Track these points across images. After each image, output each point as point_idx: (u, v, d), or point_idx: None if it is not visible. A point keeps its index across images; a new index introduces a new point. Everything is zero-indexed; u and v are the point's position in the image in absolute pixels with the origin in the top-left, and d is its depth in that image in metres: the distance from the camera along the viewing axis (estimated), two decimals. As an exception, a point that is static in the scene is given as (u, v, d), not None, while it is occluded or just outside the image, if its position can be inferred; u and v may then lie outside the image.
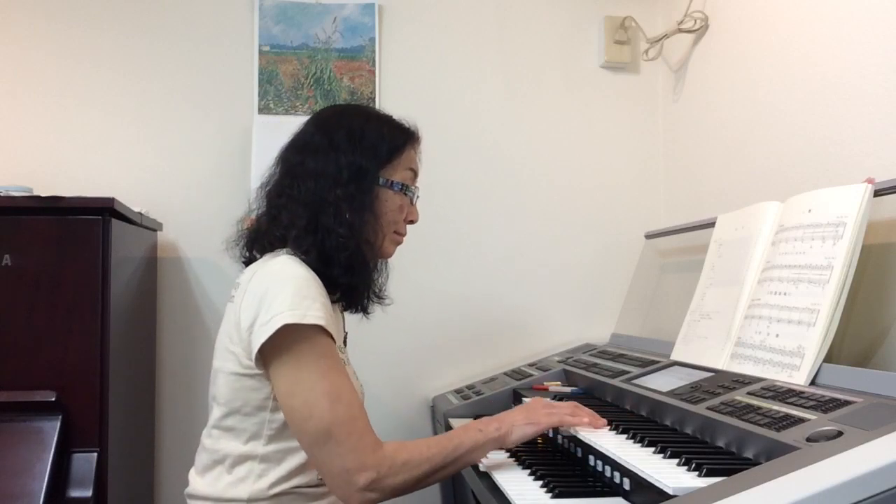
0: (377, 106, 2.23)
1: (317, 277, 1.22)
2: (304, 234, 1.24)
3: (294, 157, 1.32)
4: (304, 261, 1.23)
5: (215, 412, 1.25)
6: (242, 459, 1.20)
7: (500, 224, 2.31)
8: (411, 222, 1.38)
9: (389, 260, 1.42)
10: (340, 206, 1.25)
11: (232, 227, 1.41)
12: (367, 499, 1.12)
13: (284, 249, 1.27)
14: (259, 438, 1.20)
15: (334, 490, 1.15)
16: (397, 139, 1.34)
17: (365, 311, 1.39)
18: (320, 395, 1.13)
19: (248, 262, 1.35)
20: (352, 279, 1.27)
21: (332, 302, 1.29)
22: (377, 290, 1.38)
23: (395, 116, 1.38)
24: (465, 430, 1.24)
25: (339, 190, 1.26)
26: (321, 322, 1.14)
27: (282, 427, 1.20)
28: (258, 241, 1.32)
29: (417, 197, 1.39)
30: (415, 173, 1.38)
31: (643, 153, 2.39)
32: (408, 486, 1.16)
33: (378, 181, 1.30)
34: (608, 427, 1.30)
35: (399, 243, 1.38)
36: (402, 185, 1.33)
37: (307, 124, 1.36)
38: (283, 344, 1.14)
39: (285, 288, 1.16)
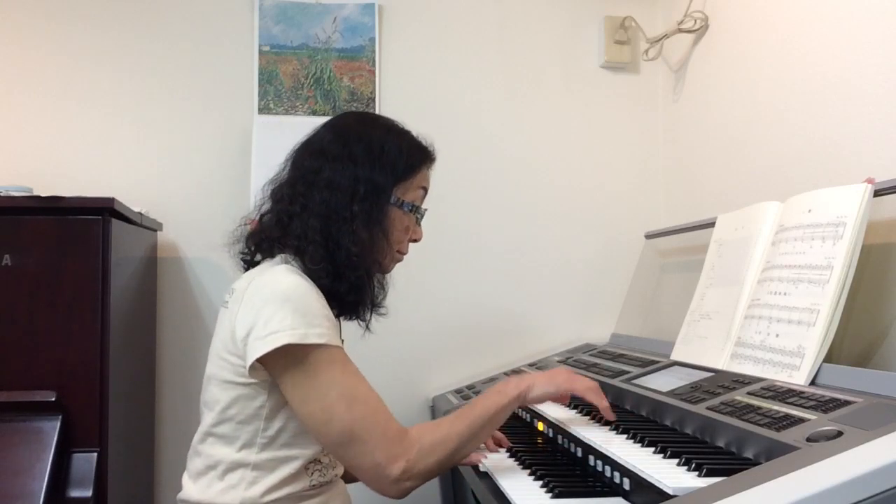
0: (377, 106, 2.23)
1: (315, 287, 1.21)
2: (316, 247, 1.22)
3: (309, 161, 1.29)
4: (306, 271, 1.22)
5: (208, 418, 1.24)
6: (234, 466, 1.20)
7: (500, 224, 2.31)
8: (414, 240, 1.37)
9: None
10: (354, 221, 1.24)
11: (232, 227, 1.40)
12: (404, 488, 1.13)
13: (286, 257, 1.25)
14: (252, 447, 1.20)
15: (370, 485, 1.15)
16: (414, 158, 1.32)
17: (366, 323, 1.37)
18: (336, 399, 1.13)
19: (249, 263, 1.34)
20: (357, 297, 1.27)
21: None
22: (377, 305, 1.36)
23: (413, 132, 1.36)
24: (486, 396, 1.25)
25: (354, 205, 1.24)
26: (323, 340, 1.14)
27: (275, 436, 1.19)
28: (263, 243, 1.30)
29: (423, 217, 1.37)
30: (425, 191, 1.37)
31: (643, 153, 2.39)
32: (441, 465, 1.16)
33: (390, 199, 1.29)
34: (608, 427, 1.30)
35: (399, 261, 1.37)
36: (412, 205, 1.32)
37: (325, 129, 1.33)
38: (287, 360, 1.14)
39: (286, 303, 1.14)
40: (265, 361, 1.14)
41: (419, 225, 1.37)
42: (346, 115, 1.43)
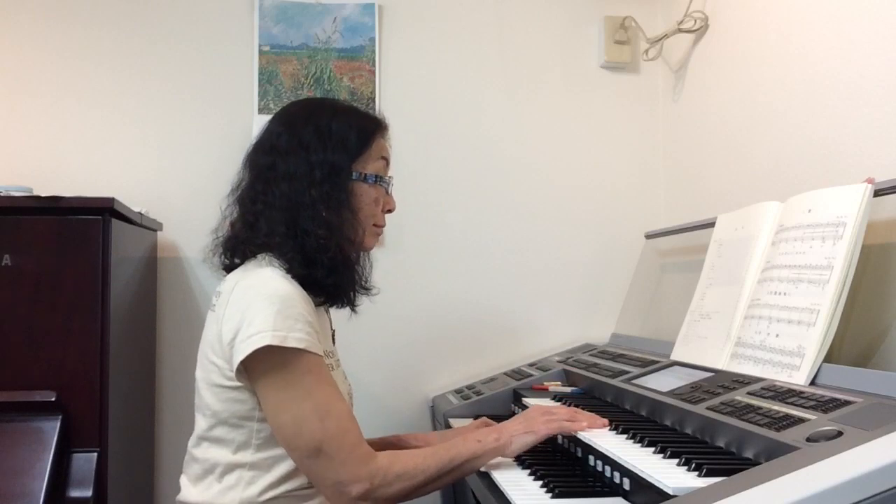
0: (377, 106, 2.23)
1: (302, 291, 1.21)
2: (284, 239, 1.22)
3: (263, 159, 1.29)
4: (287, 270, 1.22)
5: (202, 423, 1.24)
6: (232, 468, 1.20)
7: (500, 224, 2.31)
8: (389, 211, 1.37)
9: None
10: (317, 206, 1.24)
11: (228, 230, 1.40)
12: None
13: (266, 257, 1.24)
14: (248, 448, 1.20)
15: (329, 500, 1.17)
16: (365, 130, 1.32)
17: (353, 305, 1.37)
18: (309, 412, 1.13)
19: (229, 268, 1.33)
20: (336, 279, 1.27)
21: (318, 305, 1.28)
22: (362, 284, 1.36)
23: (360, 107, 1.37)
24: (464, 441, 1.24)
25: (313, 190, 1.24)
26: (303, 345, 1.13)
27: (270, 436, 1.19)
28: (238, 248, 1.30)
29: (392, 185, 1.37)
30: (387, 161, 1.36)
31: (643, 153, 2.39)
32: (402, 496, 1.17)
33: (352, 176, 1.28)
34: (608, 427, 1.30)
35: (379, 234, 1.37)
36: (376, 176, 1.32)
37: (272, 124, 1.34)
38: (265, 363, 1.13)
39: (269, 306, 1.14)
40: (247, 364, 1.14)
41: (390, 195, 1.37)
42: (291, 105, 1.42)
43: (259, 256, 1.26)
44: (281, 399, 1.14)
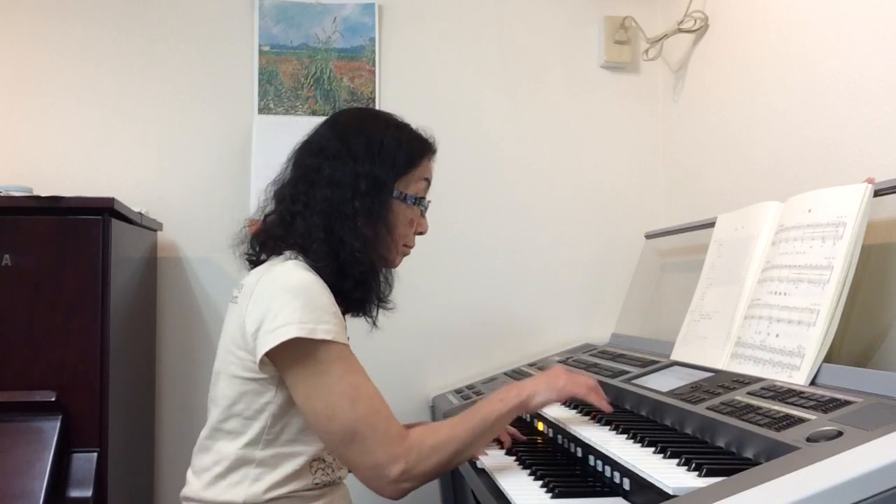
0: (377, 106, 2.23)
1: (324, 283, 1.21)
2: (321, 244, 1.23)
3: (309, 160, 1.29)
4: (314, 268, 1.22)
5: (214, 414, 1.24)
6: (239, 464, 1.20)
7: (501, 224, 2.31)
8: (420, 233, 1.37)
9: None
10: (356, 217, 1.25)
11: (233, 227, 1.40)
12: (401, 489, 1.14)
13: (294, 254, 1.25)
14: (257, 443, 1.20)
15: (368, 484, 1.16)
16: (414, 151, 1.32)
17: (372, 319, 1.37)
18: (340, 397, 1.14)
19: (255, 262, 1.33)
20: (362, 294, 1.28)
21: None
22: (383, 300, 1.36)
23: (413, 126, 1.36)
24: (488, 403, 1.24)
25: (356, 201, 1.25)
26: (331, 336, 1.14)
27: (280, 432, 1.20)
28: (268, 243, 1.31)
29: (427, 208, 1.38)
30: (428, 182, 1.37)
31: (643, 153, 2.39)
32: (440, 468, 1.17)
33: (392, 194, 1.29)
34: (608, 427, 1.30)
35: (407, 254, 1.37)
36: (416, 198, 1.32)
37: (324, 127, 1.34)
38: (294, 354, 1.14)
39: (295, 298, 1.14)
40: (273, 356, 1.15)
41: (424, 217, 1.37)
42: (344, 112, 1.44)
43: (286, 253, 1.26)
44: (311, 387, 1.15)
